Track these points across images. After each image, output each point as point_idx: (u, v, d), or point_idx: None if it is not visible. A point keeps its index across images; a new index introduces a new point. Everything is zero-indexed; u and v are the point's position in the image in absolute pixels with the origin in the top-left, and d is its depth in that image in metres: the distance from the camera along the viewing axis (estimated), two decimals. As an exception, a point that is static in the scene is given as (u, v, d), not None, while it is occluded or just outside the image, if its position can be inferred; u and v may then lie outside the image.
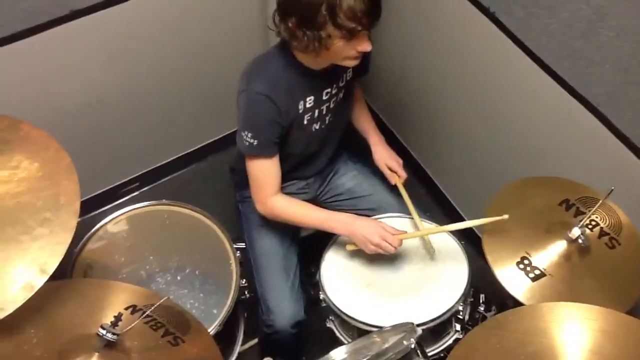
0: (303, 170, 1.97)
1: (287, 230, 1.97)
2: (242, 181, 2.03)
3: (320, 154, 1.99)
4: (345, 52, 1.63)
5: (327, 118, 1.87)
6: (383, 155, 2.06)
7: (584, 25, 1.66)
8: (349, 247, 1.84)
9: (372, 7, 1.55)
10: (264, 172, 1.80)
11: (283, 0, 1.60)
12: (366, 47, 1.61)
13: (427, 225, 1.91)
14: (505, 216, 1.63)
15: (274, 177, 1.81)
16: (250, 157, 1.79)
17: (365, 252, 1.77)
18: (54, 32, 2.02)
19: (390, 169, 2.03)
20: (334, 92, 1.83)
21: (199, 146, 2.72)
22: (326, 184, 2.10)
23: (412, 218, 1.93)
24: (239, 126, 1.75)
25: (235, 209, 2.12)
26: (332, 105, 1.85)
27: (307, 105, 1.79)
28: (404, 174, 2.03)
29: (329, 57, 1.66)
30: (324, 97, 1.81)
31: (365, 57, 1.71)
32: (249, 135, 1.72)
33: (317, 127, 1.86)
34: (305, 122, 1.81)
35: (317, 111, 1.82)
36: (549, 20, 1.75)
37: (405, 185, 2.01)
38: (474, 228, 1.85)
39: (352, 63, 1.68)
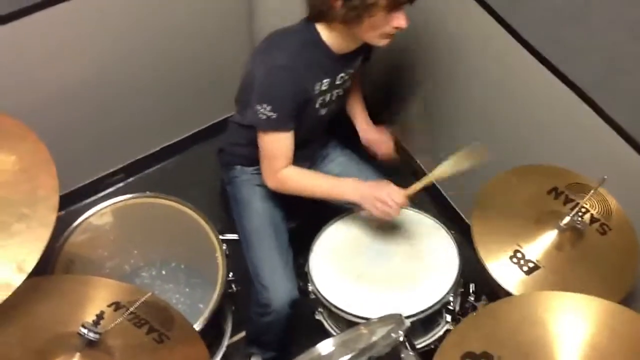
0: (295, 153, 1.94)
1: (276, 210, 1.95)
2: (229, 162, 2.02)
3: (315, 139, 1.99)
4: (382, 26, 1.63)
5: (333, 104, 1.86)
6: (370, 132, 2.09)
7: (575, 11, 1.63)
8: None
9: None
10: (278, 146, 1.76)
11: None
12: (403, 22, 1.63)
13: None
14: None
15: (288, 150, 1.78)
16: (264, 131, 1.75)
17: (358, 239, 1.77)
18: (31, 19, 1.96)
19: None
20: (346, 77, 1.83)
21: (184, 136, 2.68)
22: (314, 167, 2.08)
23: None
24: (253, 99, 1.71)
25: (222, 193, 2.09)
26: (341, 93, 1.85)
27: (323, 88, 1.77)
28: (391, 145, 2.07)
29: (364, 32, 1.65)
30: (338, 82, 1.81)
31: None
32: (268, 108, 1.68)
33: (324, 113, 1.85)
34: (317, 105, 1.80)
35: (328, 95, 1.81)
36: (540, 6, 1.72)
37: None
38: (465, 218, 1.83)
39: (384, 42, 1.68)
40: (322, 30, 1.71)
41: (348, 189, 1.78)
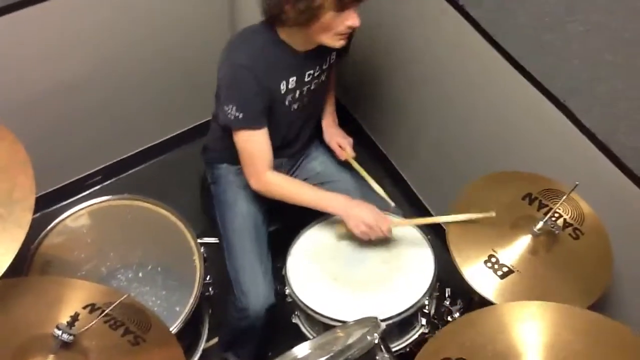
0: (279, 153, 1.95)
1: (259, 214, 1.96)
2: (214, 159, 2.02)
3: (298, 137, 1.99)
4: (335, 26, 1.63)
5: (306, 99, 1.86)
6: (333, 133, 2.10)
7: (553, 19, 1.66)
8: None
9: None
10: (253, 144, 1.77)
11: None
12: (355, 21, 1.63)
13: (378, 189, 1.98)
14: (492, 213, 1.65)
15: (265, 148, 1.78)
16: (237, 130, 1.76)
17: (335, 243, 1.80)
18: (11, 17, 1.95)
19: (340, 147, 2.07)
20: (316, 74, 1.83)
21: (164, 139, 2.68)
22: (297, 166, 2.09)
23: (393, 214, 1.92)
24: (221, 99, 1.73)
25: (202, 193, 2.09)
26: (312, 87, 1.85)
27: (290, 87, 1.77)
28: (352, 152, 2.07)
29: (318, 33, 1.65)
30: (306, 79, 1.81)
31: (348, 36, 1.76)
32: (233, 108, 1.70)
33: (296, 107, 1.85)
34: (287, 102, 1.81)
35: (298, 92, 1.81)
36: (518, 14, 1.75)
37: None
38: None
39: (339, 42, 1.68)
40: (281, 32, 1.72)
41: (334, 204, 1.79)
